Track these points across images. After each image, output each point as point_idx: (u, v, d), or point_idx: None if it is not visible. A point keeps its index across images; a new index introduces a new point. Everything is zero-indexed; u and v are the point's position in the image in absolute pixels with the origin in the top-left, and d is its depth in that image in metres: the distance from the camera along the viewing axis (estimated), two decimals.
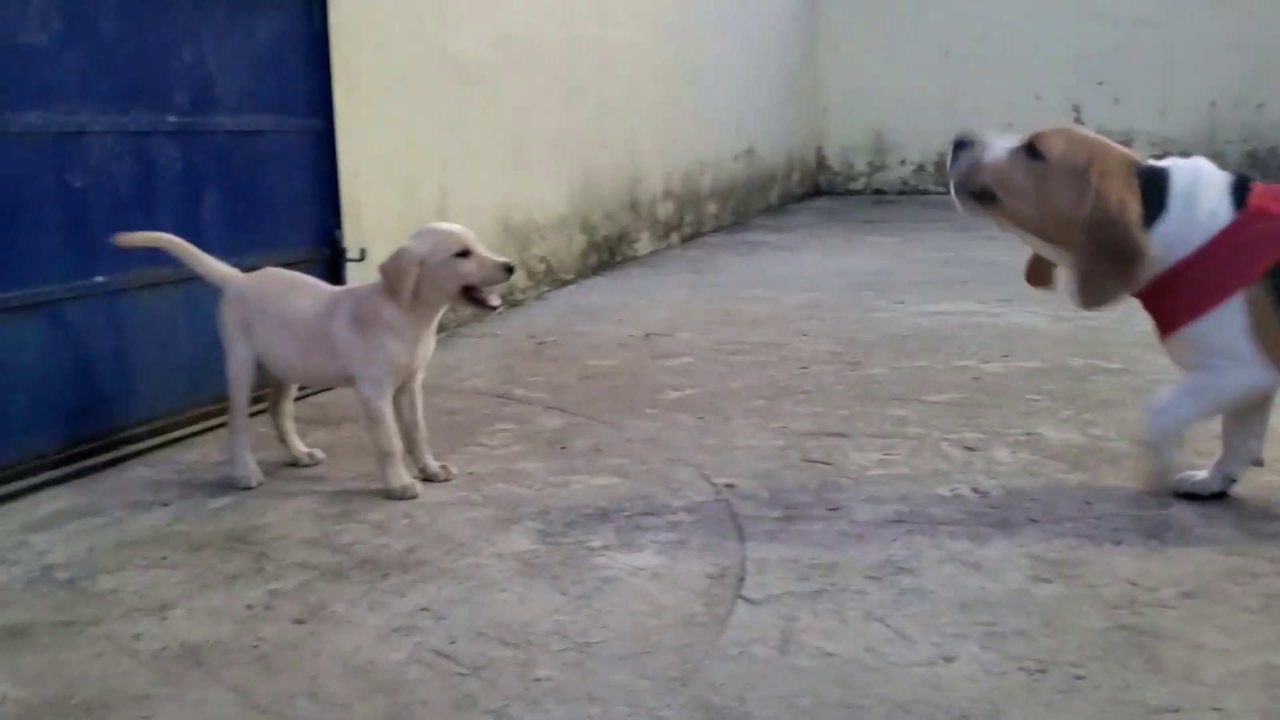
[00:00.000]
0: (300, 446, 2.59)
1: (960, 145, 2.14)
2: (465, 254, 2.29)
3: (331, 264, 3.41)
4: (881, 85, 9.32)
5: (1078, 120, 8.78)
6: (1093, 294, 1.99)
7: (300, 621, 1.76)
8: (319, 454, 2.61)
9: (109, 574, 1.95)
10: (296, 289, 2.44)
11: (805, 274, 5.29)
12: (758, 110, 8.07)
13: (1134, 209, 1.96)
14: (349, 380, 2.38)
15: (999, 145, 2.12)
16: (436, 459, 2.49)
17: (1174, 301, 1.99)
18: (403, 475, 2.36)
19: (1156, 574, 1.83)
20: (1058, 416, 2.75)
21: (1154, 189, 1.98)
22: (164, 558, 2.03)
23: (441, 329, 4.02)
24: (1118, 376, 3.11)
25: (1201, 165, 2.03)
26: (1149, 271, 1.97)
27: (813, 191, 9.57)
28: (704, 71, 6.98)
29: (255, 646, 1.67)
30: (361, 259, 3.52)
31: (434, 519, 2.21)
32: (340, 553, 2.04)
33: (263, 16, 3.08)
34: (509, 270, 2.31)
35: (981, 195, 2.12)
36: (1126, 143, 8.52)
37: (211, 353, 2.90)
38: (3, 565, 2.00)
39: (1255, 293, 1.90)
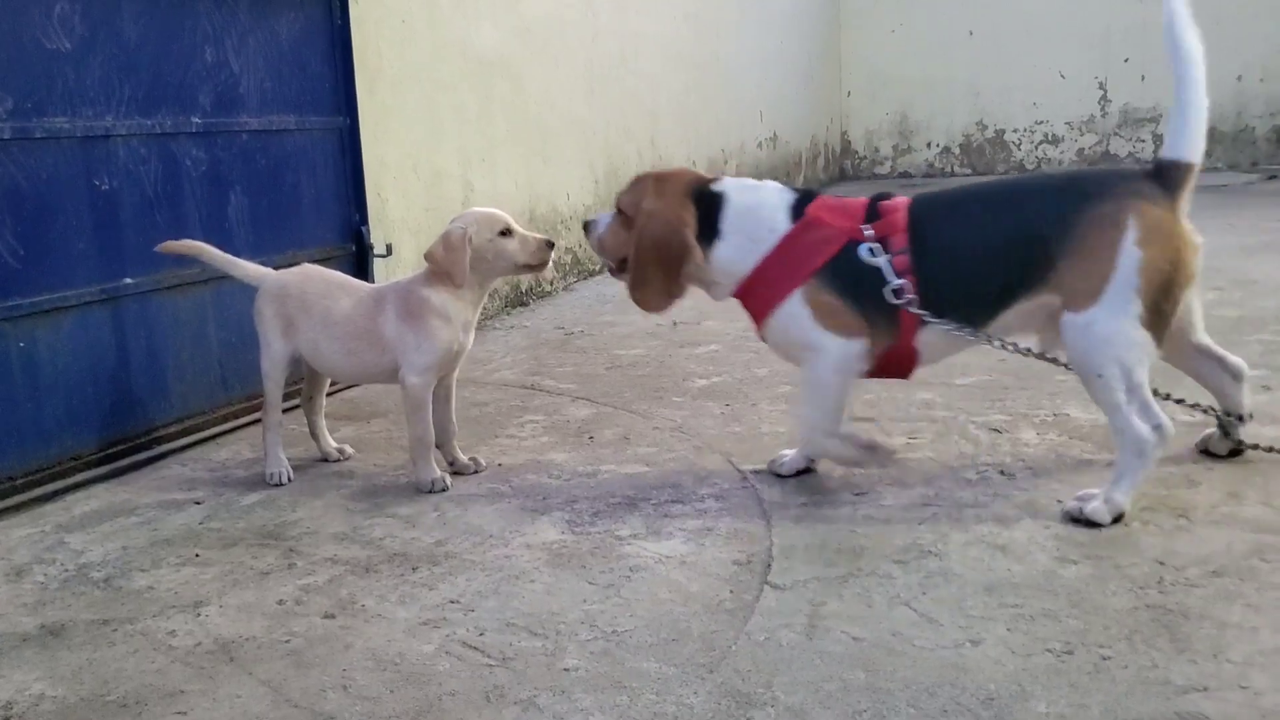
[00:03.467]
0: (331, 442, 2.62)
1: (586, 228, 2.44)
2: (507, 233, 2.36)
3: (358, 260, 3.43)
4: (905, 68, 9.26)
5: (1104, 98, 8.70)
6: (648, 296, 2.27)
7: (331, 616, 1.78)
8: (349, 450, 2.64)
9: (144, 572, 1.98)
10: (338, 289, 2.46)
11: None
12: (781, 96, 8.04)
13: (680, 218, 2.21)
14: (393, 375, 2.40)
15: (602, 219, 2.39)
16: (465, 452, 2.51)
17: (753, 302, 2.25)
18: (434, 469, 2.38)
19: (1184, 553, 1.81)
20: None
21: (711, 207, 2.24)
22: (197, 555, 2.06)
23: None
24: None
25: (765, 186, 2.29)
26: (709, 276, 2.26)
27: (838, 176, 9.53)
28: (726, 58, 6.96)
29: (287, 641, 1.70)
30: (388, 254, 3.54)
31: (463, 511, 2.23)
32: (370, 547, 2.06)
33: (284, 16, 3.10)
34: (550, 246, 2.40)
35: (617, 266, 2.38)
36: (1154, 119, 8.46)
37: (240, 352, 2.94)
38: (40, 565, 2.03)
39: (811, 289, 2.14)
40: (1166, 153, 2.05)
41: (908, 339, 2.13)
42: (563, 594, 1.82)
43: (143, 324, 2.71)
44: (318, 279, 2.49)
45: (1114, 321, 1.94)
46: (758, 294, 2.23)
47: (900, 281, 2.08)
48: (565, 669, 1.57)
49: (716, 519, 2.11)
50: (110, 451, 2.59)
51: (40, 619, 1.80)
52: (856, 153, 9.65)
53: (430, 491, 2.35)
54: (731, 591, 1.79)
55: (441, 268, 2.33)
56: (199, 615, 1.80)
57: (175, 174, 2.77)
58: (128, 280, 2.65)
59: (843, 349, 2.14)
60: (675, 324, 3.98)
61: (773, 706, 1.44)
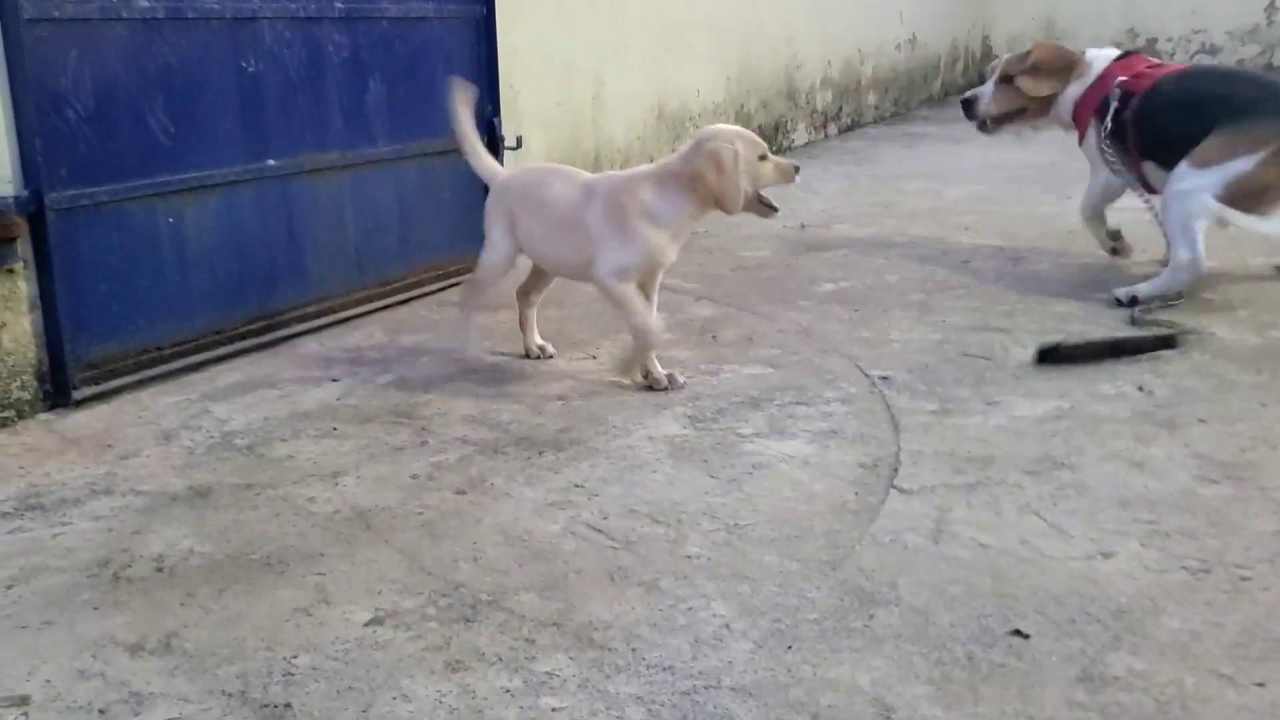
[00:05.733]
0: (536, 339, 2.60)
1: (968, 105, 3.38)
2: (764, 157, 2.27)
3: (490, 152, 3.44)
4: None
5: (1271, 5, 8.13)
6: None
7: (461, 492, 1.83)
8: (550, 348, 2.60)
9: (284, 442, 2.06)
10: (553, 176, 2.44)
11: (969, 167, 5.12)
12: None
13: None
14: (587, 270, 2.34)
15: (984, 90, 3.35)
16: (589, 345, 2.53)
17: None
18: (658, 367, 2.34)
19: None
20: (1234, 317, 2.62)
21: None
22: (334, 429, 2.13)
23: None
24: None
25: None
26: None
27: (979, 82, 9.18)
28: None
29: (420, 513, 1.75)
30: (518, 147, 3.54)
31: (587, 402, 2.25)
32: (498, 429, 2.11)
33: None
34: (797, 170, 2.33)
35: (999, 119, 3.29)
36: None
37: (375, 237, 3.00)
38: (187, 431, 2.13)
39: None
40: None
41: None
42: (684, 485, 1.83)
43: (284, 205, 2.77)
44: (538, 170, 2.51)
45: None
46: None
47: None
48: (687, 556, 1.59)
49: (843, 421, 2.10)
50: (251, 327, 2.69)
51: (188, 481, 1.90)
52: (998, 58, 9.26)
53: (665, 388, 2.31)
54: (857, 493, 1.78)
55: (713, 190, 2.23)
56: (337, 484, 1.87)
57: (318, 58, 2.81)
58: (270, 162, 2.71)
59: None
60: (803, 226, 3.92)
61: (896, 605, 1.44)
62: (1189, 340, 2.43)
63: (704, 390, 2.30)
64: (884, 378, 2.33)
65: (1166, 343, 2.41)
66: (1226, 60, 8.36)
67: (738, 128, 2.31)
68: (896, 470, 1.86)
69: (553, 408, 2.23)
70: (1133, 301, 2.73)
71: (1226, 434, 1.94)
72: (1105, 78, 3.01)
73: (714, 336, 2.69)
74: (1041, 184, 4.55)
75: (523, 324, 2.60)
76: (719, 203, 2.24)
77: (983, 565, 1.53)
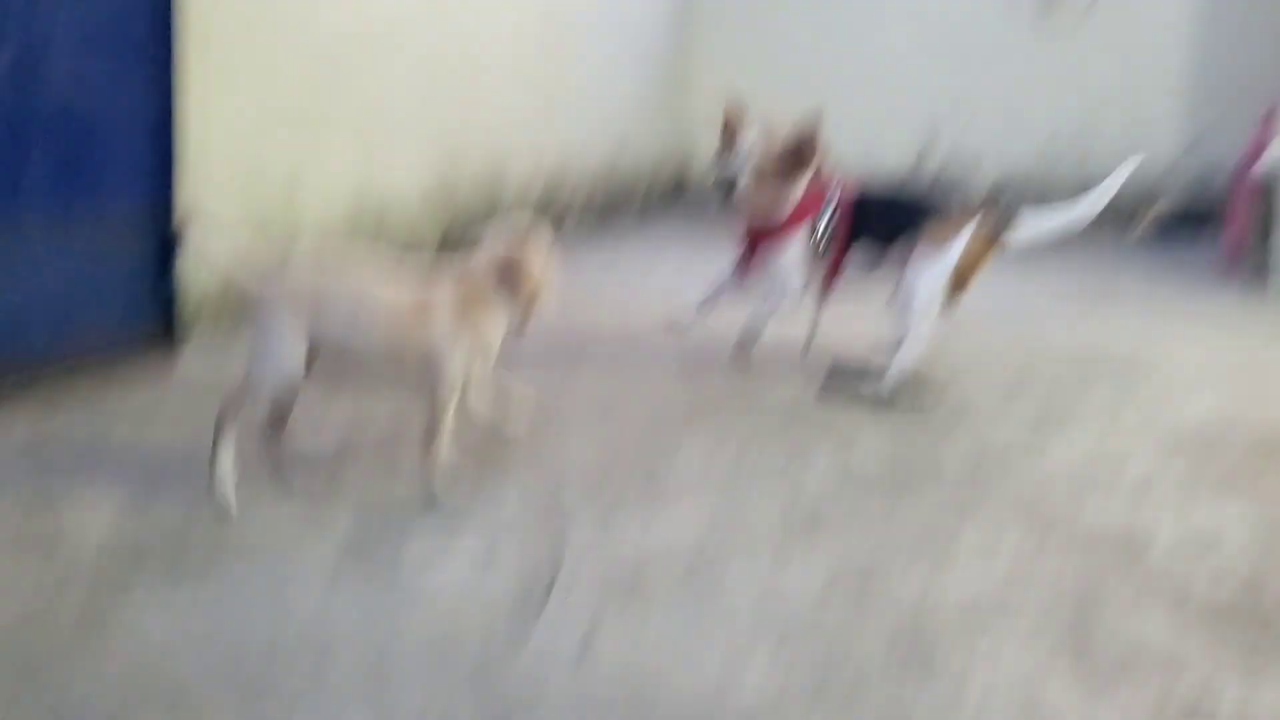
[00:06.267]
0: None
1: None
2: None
3: (165, 234, 3.30)
4: (754, 90, 9.47)
5: (928, 146, 9.13)
6: None
7: (85, 618, 1.72)
8: None
9: None
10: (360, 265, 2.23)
11: (665, 274, 5.35)
12: (628, 110, 8.12)
13: None
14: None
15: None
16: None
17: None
18: None
19: (946, 584, 1.93)
20: (877, 429, 2.86)
21: None
22: None
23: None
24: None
25: None
26: None
27: (682, 191, 9.67)
28: (574, 65, 6.99)
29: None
30: (199, 231, 3.41)
31: (244, 513, 2.17)
32: (141, 544, 2.00)
33: None
34: None
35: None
36: (974, 167, 8.83)
37: (26, 319, 2.80)
38: None
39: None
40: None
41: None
42: (339, 605, 1.80)
43: None
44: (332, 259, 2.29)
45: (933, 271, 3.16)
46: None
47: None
48: (333, 681, 1.56)
49: (510, 529, 2.13)
50: None
51: None
52: (699, 169, 9.83)
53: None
54: (514, 603, 1.81)
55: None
56: None
57: None
58: None
59: None
60: None
61: None
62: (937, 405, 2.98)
63: (376, 498, 2.28)
64: (557, 486, 2.39)
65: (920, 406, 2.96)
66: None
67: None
68: (554, 580, 1.91)
69: (205, 519, 2.14)
70: (888, 394, 3.09)
71: (858, 543, 2.11)
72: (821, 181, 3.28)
73: (397, 440, 2.66)
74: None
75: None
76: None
77: (625, 677, 1.59)
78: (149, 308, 3.29)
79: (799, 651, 1.69)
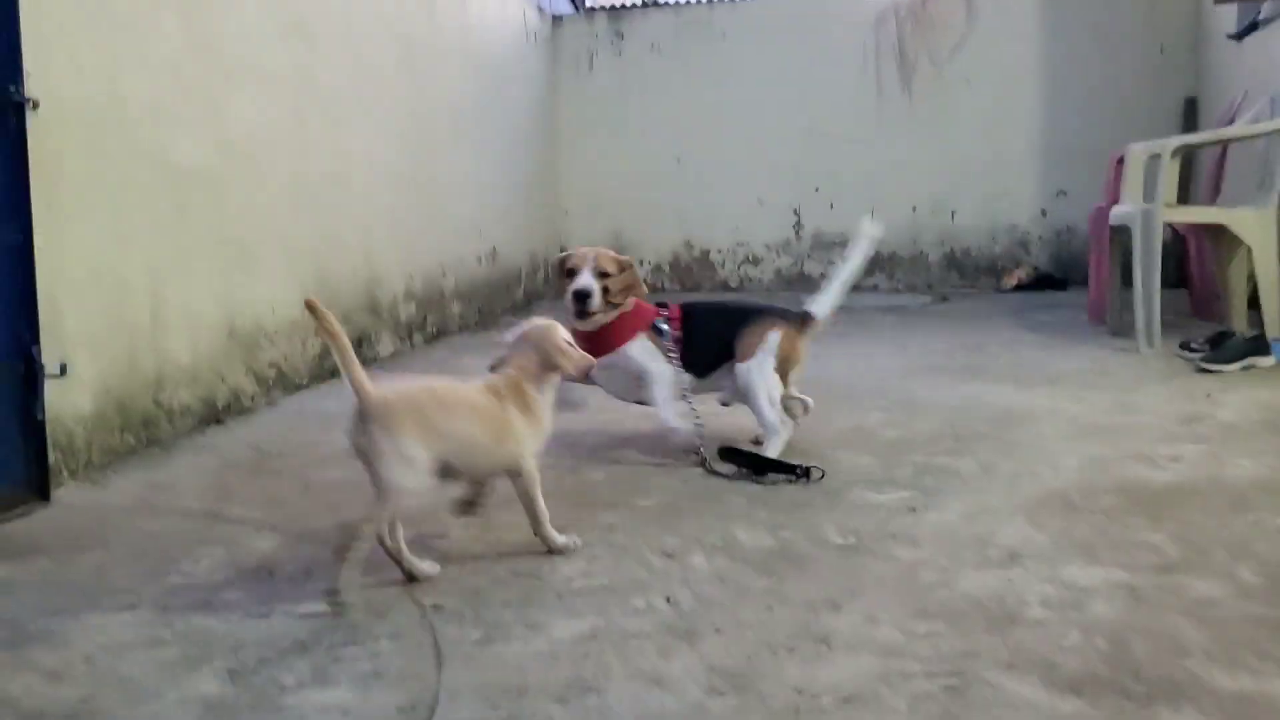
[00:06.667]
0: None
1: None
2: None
3: (25, 380, 3.21)
4: (619, 189, 9.69)
5: (797, 223, 9.41)
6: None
7: None
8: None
9: None
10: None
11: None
12: (500, 213, 8.21)
13: None
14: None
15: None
16: (129, 590, 2.38)
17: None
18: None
19: (821, 680, 1.95)
20: (753, 519, 2.90)
21: None
22: None
23: (154, 443, 3.87)
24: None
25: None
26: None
27: (557, 291, 9.77)
28: (443, 174, 7.06)
29: None
30: (62, 374, 3.34)
31: (116, 662, 2.11)
32: (4, 707, 1.92)
33: None
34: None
35: None
36: (842, 243, 9.20)
37: None
38: None
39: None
40: (808, 306, 3.75)
41: None
42: None
43: None
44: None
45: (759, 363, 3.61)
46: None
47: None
48: None
49: (389, 661, 2.09)
50: None
51: None
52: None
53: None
54: None
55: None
56: None
57: None
58: None
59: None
60: None
61: None
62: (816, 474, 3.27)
63: (251, 636, 2.22)
64: (435, 606, 2.36)
65: (807, 473, 3.26)
66: (766, 269, 9.52)
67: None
68: (434, 711, 1.88)
69: (76, 672, 2.06)
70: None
71: (736, 642, 2.13)
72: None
73: (271, 572, 2.61)
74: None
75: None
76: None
77: None
78: (14, 458, 3.18)
79: None
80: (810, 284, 9.29)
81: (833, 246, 9.30)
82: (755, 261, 9.59)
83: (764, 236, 9.55)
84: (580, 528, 2.85)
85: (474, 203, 7.64)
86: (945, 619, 2.20)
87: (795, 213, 9.41)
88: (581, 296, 3.65)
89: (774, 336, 3.61)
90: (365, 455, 2.38)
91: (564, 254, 3.86)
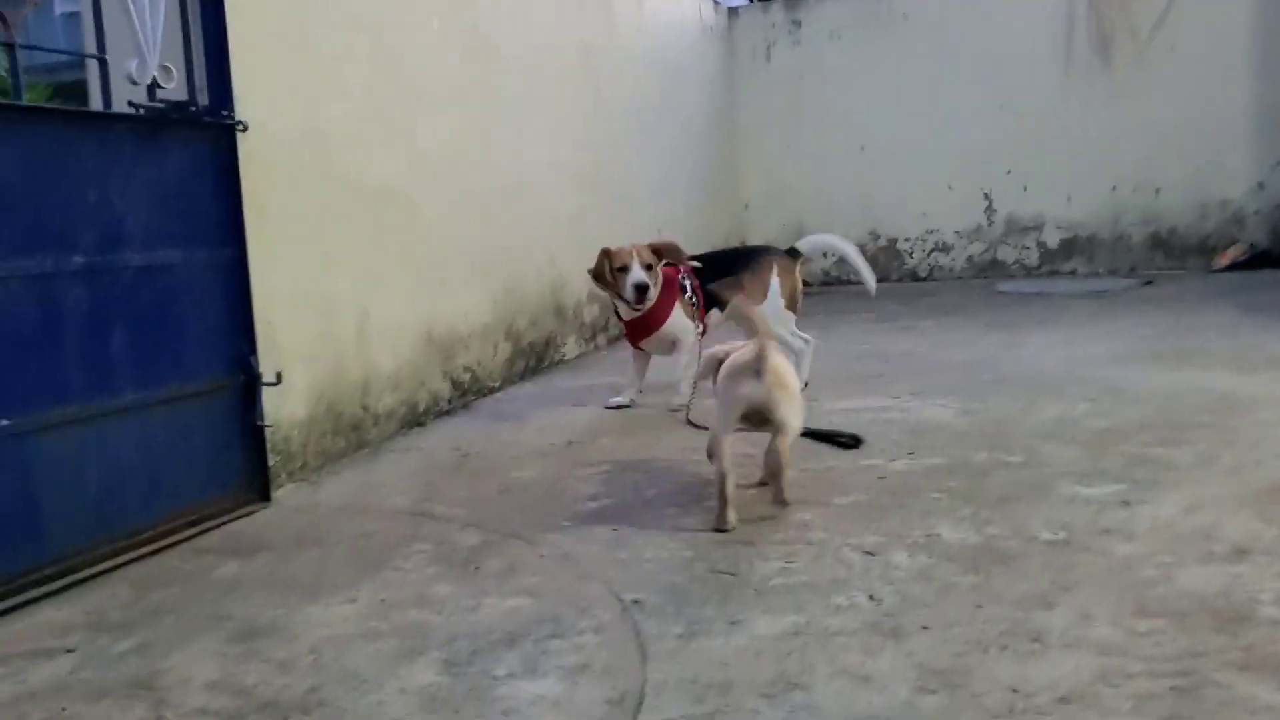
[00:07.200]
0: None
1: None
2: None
3: (246, 389, 3.42)
4: (800, 181, 9.57)
5: (989, 208, 9.08)
6: None
7: None
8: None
9: None
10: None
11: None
12: (680, 209, 8.24)
13: None
14: None
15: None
16: (349, 588, 2.50)
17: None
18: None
19: (1036, 679, 1.88)
20: (956, 515, 2.82)
21: None
22: (63, 709, 2.02)
23: (363, 446, 4.05)
24: (1016, 470, 3.19)
25: None
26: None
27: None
28: (624, 177, 7.13)
29: None
30: (277, 383, 3.54)
31: (339, 654, 2.21)
32: (242, 695, 2.04)
33: (171, 154, 3.14)
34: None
35: None
36: (1038, 227, 8.84)
37: (119, 489, 2.91)
38: None
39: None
40: (797, 244, 4.86)
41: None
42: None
43: (17, 465, 2.67)
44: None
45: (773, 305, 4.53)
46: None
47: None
48: None
49: (594, 654, 2.13)
50: None
51: None
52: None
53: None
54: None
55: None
56: None
57: (54, 314, 2.77)
58: (4, 422, 2.62)
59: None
60: (569, 443, 4.02)
61: None
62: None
63: (463, 629, 2.30)
64: (636, 601, 2.39)
65: (856, 441, 3.53)
66: (958, 257, 9.23)
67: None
68: (641, 704, 1.90)
69: (303, 664, 2.18)
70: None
71: (944, 640, 2.07)
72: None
73: (477, 568, 2.70)
74: None
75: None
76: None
77: None
78: (239, 463, 3.39)
79: None
80: (1004, 270, 9.00)
81: (1027, 231, 8.95)
82: (945, 249, 9.30)
83: (954, 223, 9.24)
84: (776, 525, 2.85)
85: (654, 201, 7.70)
86: (1168, 617, 2.09)
87: (986, 196, 9.08)
88: (642, 288, 4.45)
89: (772, 274, 4.58)
90: (764, 404, 2.88)
91: (607, 252, 4.57)
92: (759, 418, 2.91)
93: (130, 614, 2.51)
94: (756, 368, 2.88)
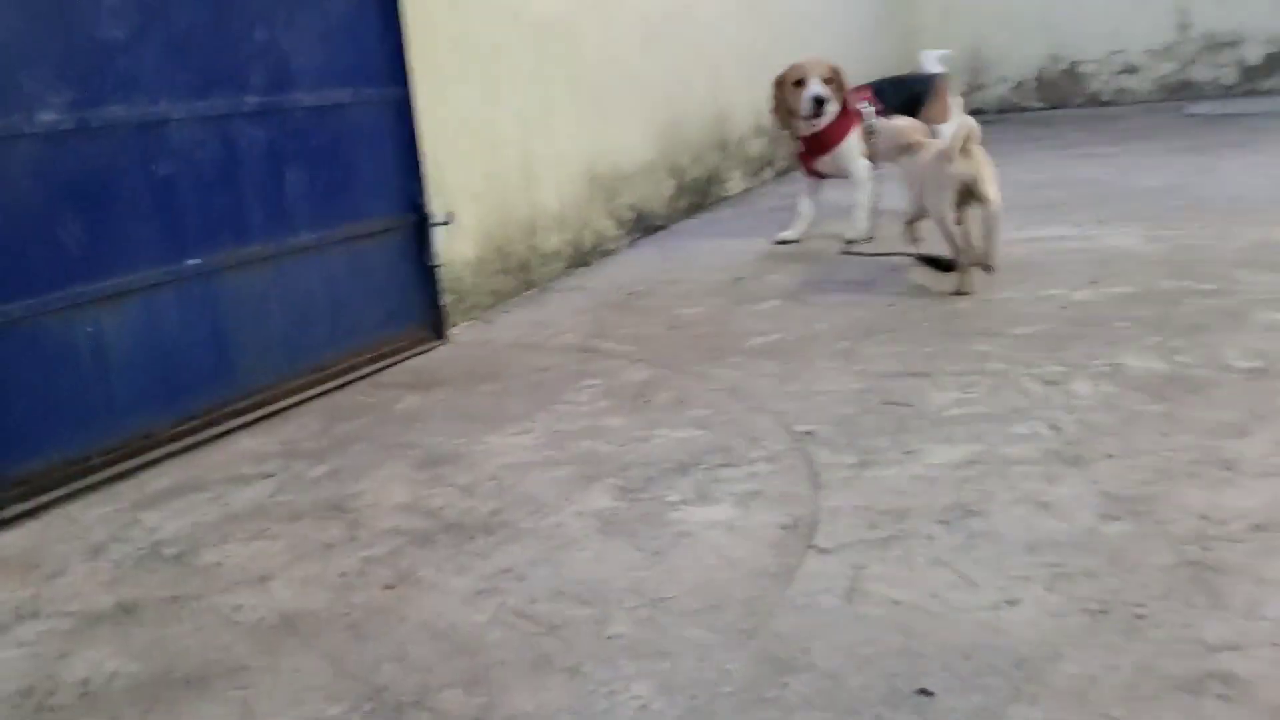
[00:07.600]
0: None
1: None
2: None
3: (418, 229, 3.49)
4: (976, 2, 9.01)
5: (1182, 23, 8.37)
6: None
7: (390, 587, 1.85)
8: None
9: (213, 547, 2.08)
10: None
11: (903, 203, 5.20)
12: (850, 38, 7.88)
13: None
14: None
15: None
16: (525, 419, 2.57)
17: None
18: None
19: (1227, 507, 1.79)
20: (1143, 344, 2.68)
21: None
22: (265, 529, 2.15)
23: (530, 285, 4.11)
24: (1210, 299, 3.01)
25: None
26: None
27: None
28: (790, 3, 6.85)
29: (346, 614, 1.77)
30: (447, 223, 3.59)
31: (519, 480, 2.28)
32: (429, 517, 2.13)
33: None
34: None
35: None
36: (1236, 43, 8.16)
37: (304, 326, 3.03)
38: (116, 543, 2.14)
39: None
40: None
41: None
42: (611, 562, 1.86)
43: (207, 303, 2.80)
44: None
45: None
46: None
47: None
48: (610, 636, 1.62)
49: (766, 481, 2.14)
50: (180, 429, 2.70)
51: (115, 597, 1.90)
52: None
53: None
54: (776, 556, 1.82)
55: None
56: (264, 589, 1.88)
57: (232, 155, 2.85)
58: (191, 262, 2.74)
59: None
60: (737, 280, 3.98)
61: (809, 672, 1.47)
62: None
63: (635, 458, 2.34)
64: (807, 432, 2.38)
65: (950, 264, 3.48)
66: (1145, 79, 8.59)
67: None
68: (815, 529, 1.90)
69: (485, 488, 2.26)
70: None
71: (1130, 468, 1.99)
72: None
73: (647, 401, 2.72)
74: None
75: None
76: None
77: (893, 623, 1.57)
78: (414, 301, 3.48)
79: (1074, 584, 1.62)
80: (1196, 92, 8.35)
81: (1223, 48, 8.25)
82: (1133, 70, 8.66)
83: (1142, 41, 8.57)
84: (951, 356, 2.77)
85: (821, 29, 7.38)
86: None
87: (1179, 10, 8.37)
88: (819, 101, 4.40)
89: (952, 100, 4.79)
90: (973, 180, 3.25)
91: (788, 68, 4.51)
92: (966, 193, 3.27)
93: (321, 443, 2.64)
94: (963, 148, 3.25)
